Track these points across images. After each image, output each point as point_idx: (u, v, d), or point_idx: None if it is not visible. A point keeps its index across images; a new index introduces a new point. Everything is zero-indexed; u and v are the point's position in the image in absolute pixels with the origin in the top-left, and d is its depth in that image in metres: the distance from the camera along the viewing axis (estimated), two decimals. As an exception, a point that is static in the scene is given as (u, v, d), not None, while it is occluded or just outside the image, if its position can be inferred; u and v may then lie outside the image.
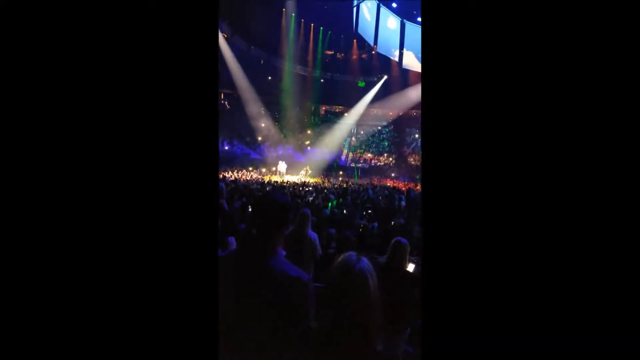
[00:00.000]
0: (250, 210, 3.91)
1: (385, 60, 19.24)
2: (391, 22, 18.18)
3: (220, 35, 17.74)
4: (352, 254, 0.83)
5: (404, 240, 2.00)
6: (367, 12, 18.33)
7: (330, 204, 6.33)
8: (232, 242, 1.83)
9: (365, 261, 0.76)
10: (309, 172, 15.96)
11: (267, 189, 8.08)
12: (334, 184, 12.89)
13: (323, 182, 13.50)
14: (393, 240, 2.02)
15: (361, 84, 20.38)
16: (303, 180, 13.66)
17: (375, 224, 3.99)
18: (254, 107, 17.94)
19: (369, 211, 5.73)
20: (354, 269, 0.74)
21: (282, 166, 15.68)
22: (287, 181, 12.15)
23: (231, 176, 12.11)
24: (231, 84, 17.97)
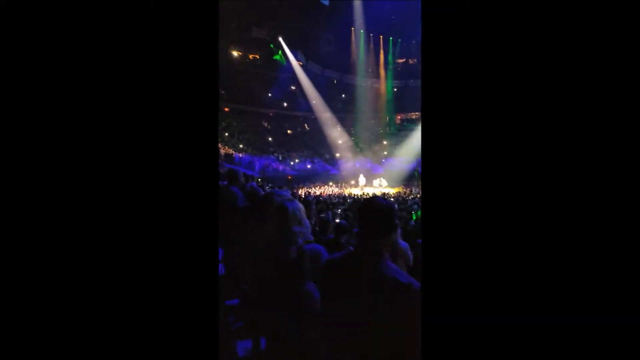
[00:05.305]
0: (342, 216, 4.16)
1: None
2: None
3: (296, 63, 19.46)
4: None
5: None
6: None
7: (414, 215, 6.15)
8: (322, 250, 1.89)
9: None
10: (384, 183, 15.72)
11: (348, 201, 8.33)
12: (416, 194, 12.36)
13: (404, 192, 13.08)
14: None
15: (438, 87, 19.27)
16: (383, 191, 13.50)
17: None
18: (330, 125, 18.84)
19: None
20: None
21: (361, 179, 15.91)
22: (366, 193, 12.21)
23: (314, 192, 12.85)
24: (309, 107, 19.35)
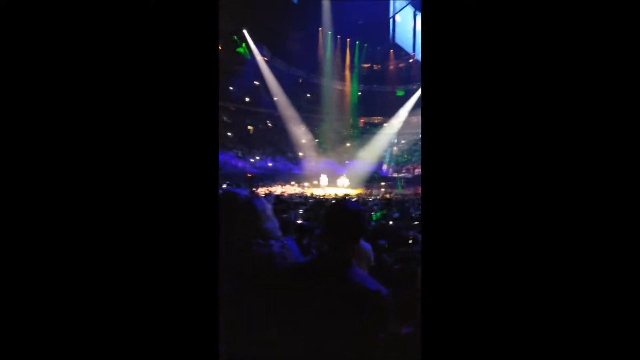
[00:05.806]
0: (304, 217, 4.02)
1: (424, 68, 18.91)
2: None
3: (261, 59, 18.93)
4: None
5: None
6: (401, 19, 18.33)
7: (374, 215, 6.22)
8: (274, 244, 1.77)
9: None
10: (346, 182, 15.95)
11: (310, 201, 8.21)
12: (376, 195, 12.67)
13: (366, 194, 13.34)
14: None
15: (400, 93, 20.15)
16: (345, 192, 13.66)
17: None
18: (294, 124, 18.60)
19: (416, 222, 5.51)
20: None
21: (323, 179, 15.93)
22: (328, 194, 12.22)
23: (275, 190, 12.54)
24: (272, 103, 18.91)
